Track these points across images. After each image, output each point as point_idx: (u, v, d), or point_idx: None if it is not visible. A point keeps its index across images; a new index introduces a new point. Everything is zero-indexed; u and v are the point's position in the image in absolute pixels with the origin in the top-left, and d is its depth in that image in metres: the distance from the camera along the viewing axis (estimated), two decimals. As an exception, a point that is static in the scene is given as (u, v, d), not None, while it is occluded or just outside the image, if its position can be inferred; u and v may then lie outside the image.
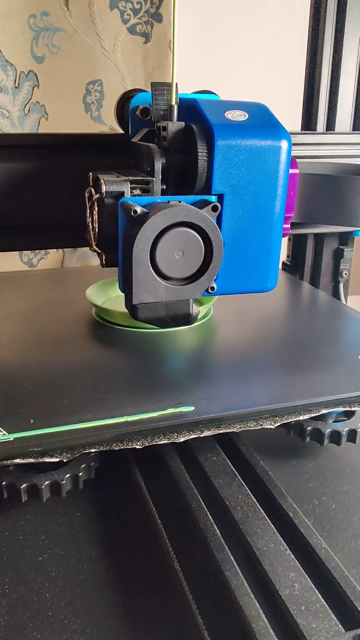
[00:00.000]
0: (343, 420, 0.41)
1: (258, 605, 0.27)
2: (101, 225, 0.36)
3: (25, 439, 0.32)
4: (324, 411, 0.37)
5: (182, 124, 0.36)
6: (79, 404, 0.36)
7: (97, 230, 0.37)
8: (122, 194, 0.35)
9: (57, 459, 0.32)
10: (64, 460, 0.33)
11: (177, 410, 0.35)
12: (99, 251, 0.38)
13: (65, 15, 0.73)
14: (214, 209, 0.35)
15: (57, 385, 0.38)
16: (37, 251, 0.82)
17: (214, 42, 0.85)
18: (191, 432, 0.35)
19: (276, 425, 0.36)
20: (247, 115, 0.36)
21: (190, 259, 0.35)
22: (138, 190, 0.36)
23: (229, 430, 0.36)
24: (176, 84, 0.36)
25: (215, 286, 0.38)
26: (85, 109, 0.79)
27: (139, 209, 0.34)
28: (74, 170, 0.43)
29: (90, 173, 0.38)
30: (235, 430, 0.36)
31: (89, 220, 0.38)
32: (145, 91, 0.43)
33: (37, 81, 0.74)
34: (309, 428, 0.40)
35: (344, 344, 0.47)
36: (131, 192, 0.36)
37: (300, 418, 0.37)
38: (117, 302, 0.53)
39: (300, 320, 0.53)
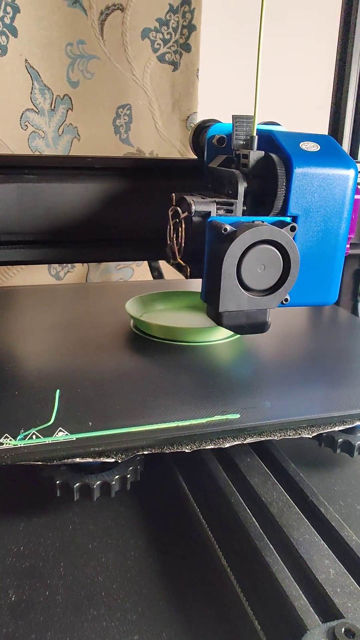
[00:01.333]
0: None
1: (298, 587, 0.30)
2: (188, 241, 0.40)
3: (86, 440, 0.34)
4: (357, 422, 0.40)
5: (262, 153, 0.40)
6: (130, 409, 0.38)
7: (182, 245, 0.41)
8: (209, 213, 0.39)
9: (113, 459, 0.34)
10: (119, 461, 0.35)
11: (224, 417, 0.38)
12: (183, 264, 0.41)
13: (100, 44, 0.78)
14: (292, 229, 0.39)
15: (107, 392, 0.41)
16: (65, 265, 0.86)
17: (239, 70, 0.89)
18: (235, 439, 0.37)
19: (313, 434, 0.39)
20: (319, 147, 0.41)
21: (270, 273, 0.39)
22: (222, 211, 0.40)
23: (270, 438, 0.38)
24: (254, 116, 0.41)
25: (289, 298, 0.41)
26: (115, 131, 0.83)
27: (228, 227, 0.37)
28: (158, 190, 0.48)
29: (174, 194, 0.42)
30: (275, 438, 0.38)
31: (172, 236, 0.42)
32: (220, 122, 0.47)
33: (72, 104, 0.79)
34: (340, 440, 0.42)
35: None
36: (216, 212, 0.40)
37: (336, 429, 0.39)
38: (154, 316, 0.56)
39: (328, 337, 0.56)
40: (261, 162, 0.40)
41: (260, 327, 0.42)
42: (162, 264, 0.82)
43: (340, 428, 0.40)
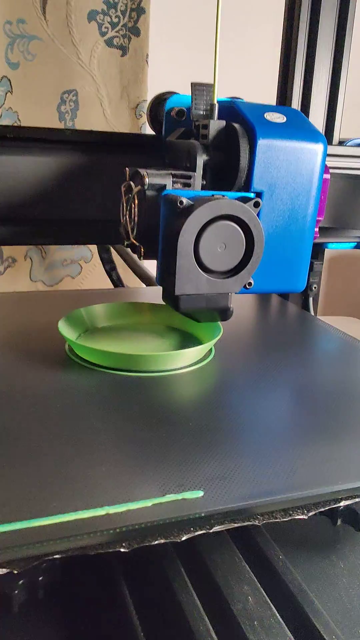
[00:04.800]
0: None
1: (207, 620, 0.25)
2: (141, 217, 0.36)
3: None
4: None
5: (224, 122, 0.37)
6: (42, 483, 0.26)
7: (136, 223, 0.37)
8: (164, 187, 0.35)
9: (5, 571, 0.22)
10: (15, 572, 0.22)
11: (180, 496, 0.26)
12: (137, 244, 0.37)
13: (42, 24, 0.73)
14: (256, 204, 0.36)
15: (16, 454, 0.28)
16: (5, 259, 0.81)
17: (190, 56, 0.86)
18: (197, 529, 0.25)
19: (310, 514, 0.27)
20: (285, 118, 0.38)
21: (231, 253, 0.35)
22: (179, 185, 0.36)
23: (248, 523, 0.26)
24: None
25: (252, 282, 0.38)
26: (60, 118, 0.78)
27: (185, 201, 0.34)
28: (110, 166, 0.44)
29: (127, 168, 0.38)
30: (256, 523, 0.26)
31: (125, 213, 0.38)
32: (178, 93, 0.44)
33: (11, 87, 0.74)
34: (341, 507, 0.30)
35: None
36: (172, 185, 0.36)
37: (342, 504, 0.28)
38: (95, 336, 0.44)
39: (307, 355, 0.45)
40: (222, 133, 0.37)
41: (222, 313, 0.38)
42: (119, 264, 0.77)
43: (349, 503, 0.28)
